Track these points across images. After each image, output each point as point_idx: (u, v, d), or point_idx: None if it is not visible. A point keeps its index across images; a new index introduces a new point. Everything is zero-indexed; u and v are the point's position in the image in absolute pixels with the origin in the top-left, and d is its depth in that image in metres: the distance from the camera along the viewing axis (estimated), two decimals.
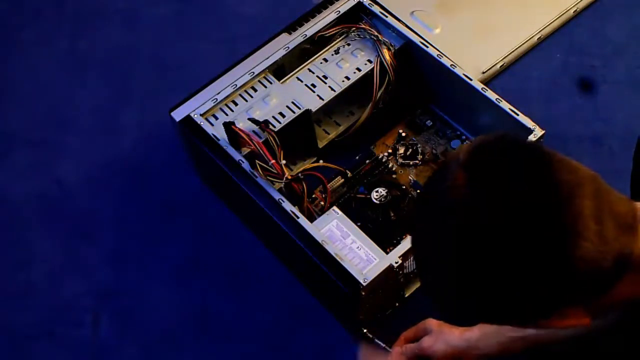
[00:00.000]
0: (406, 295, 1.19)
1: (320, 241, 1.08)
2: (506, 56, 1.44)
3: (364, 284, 1.05)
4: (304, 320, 1.23)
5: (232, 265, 1.29)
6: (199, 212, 1.34)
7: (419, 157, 1.30)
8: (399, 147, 1.32)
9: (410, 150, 1.31)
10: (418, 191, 1.27)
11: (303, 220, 1.10)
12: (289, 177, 1.13)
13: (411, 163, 1.30)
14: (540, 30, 1.47)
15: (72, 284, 1.29)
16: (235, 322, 1.23)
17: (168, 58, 1.51)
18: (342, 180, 1.28)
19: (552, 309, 0.70)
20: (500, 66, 1.44)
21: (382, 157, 1.31)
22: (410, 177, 1.29)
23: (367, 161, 1.31)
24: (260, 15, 1.51)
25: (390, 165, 1.30)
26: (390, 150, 1.32)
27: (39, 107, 1.48)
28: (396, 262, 1.07)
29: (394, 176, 1.30)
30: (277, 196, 1.13)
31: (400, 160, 1.31)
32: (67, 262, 1.31)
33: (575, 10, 1.50)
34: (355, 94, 1.28)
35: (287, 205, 1.12)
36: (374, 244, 1.09)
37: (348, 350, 1.16)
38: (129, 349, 1.23)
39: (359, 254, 1.08)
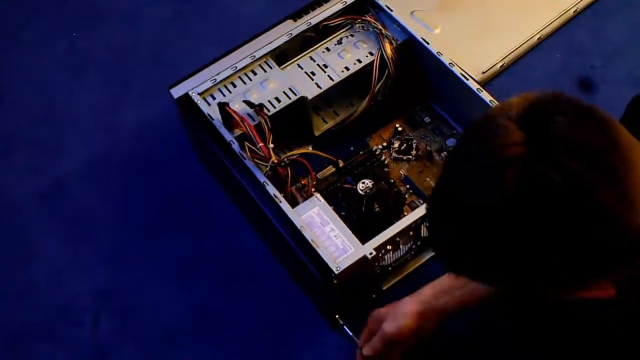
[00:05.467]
0: (384, 288, 1.20)
1: (298, 226, 1.09)
2: (506, 56, 1.44)
3: (336, 272, 1.05)
4: (304, 320, 1.22)
5: (232, 265, 1.29)
6: (198, 212, 1.34)
7: (413, 152, 1.31)
8: (394, 141, 1.32)
9: (405, 145, 1.31)
10: (407, 186, 1.27)
11: (284, 205, 1.11)
12: (275, 161, 1.14)
13: (404, 158, 1.30)
14: (540, 30, 1.47)
15: (72, 284, 1.29)
16: (235, 322, 1.23)
17: (168, 58, 1.51)
18: (334, 169, 1.28)
19: (598, 274, 0.69)
20: (500, 66, 1.44)
21: (376, 150, 1.31)
22: (401, 172, 1.29)
23: (361, 152, 1.31)
24: (260, 16, 1.50)
25: (383, 159, 1.31)
26: (385, 144, 1.32)
27: (39, 107, 1.48)
28: (370, 254, 1.07)
29: (385, 170, 1.30)
30: (262, 179, 1.13)
31: (394, 155, 1.31)
32: (67, 262, 1.31)
33: (575, 10, 1.50)
34: (357, 85, 1.28)
35: (271, 189, 1.13)
36: (351, 233, 1.10)
37: (348, 350, 1.16)
38: (129, 348, 1.23)
39: (336, 243, 1.09)
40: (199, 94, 1.23)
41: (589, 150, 0.64)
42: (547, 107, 0.67)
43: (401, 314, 1.04)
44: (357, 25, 1.30)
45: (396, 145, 1.31)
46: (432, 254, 1.21)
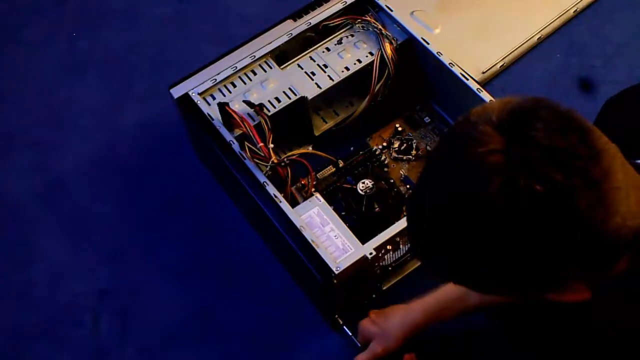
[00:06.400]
0: (384, 288, 1.20)
1: (298, 226, 1.09)
2: (506, 56, 1.44)
3: (336, 272, 1.05)
4: (304, 321, 1.23)
5: (232, 265, 1.29)
6: (199, 212, 1.34)
7: (413, 152, 1.31)
8: (394, 141, 1.32)
9: (405, 145, 1.31)
10: (407, 186, 1.27)
11: (284, 205, 1.11)
12: (275, 161, 1.14)
13: (404, 158, 1.31)
14: (540, 30, 1.47)
15: (72, 284, 1.29)
16: (235, 322, 1.23)
17: (168, 58, 1.51)
18: (334, 169, 1.29)
19: (571, 278, 0.70)
20: (500, 66, 1.44)
21: (376, 150, 1.32)
22: (401, 172, 1.30)
23: (361, 152, 1.31)
24: (260, 16, 1.51)
25: (383, 159, 1.31)
26: (385, 144, 1.32)
27: (39, 107, 1.48)
28: (370, 254, 1.08)
29: (385, 169, 1.30)
30: (262, 179, 1.14)
31: (394, 154, 1.31)
32: (67, 262, 1.31)
33: (575, 10, 1.50)
34: (357, 85, 1.28)
35: (271, 189, 1.13)
36: (351, 233, 1.10)
37: (347, 350, 1.16)
38: (129, 348, 1.23)
39: (336, 243, 1.09)
40: (199, 94, 1.24)
41: (570, 158, 0.65)
42: (527, 113, 0.67)
43: (389, 337, 1.07)
44: (357, 25, 1.30)
45: (396, 145, 1.31)
46: None
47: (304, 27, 1.29)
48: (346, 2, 1.30)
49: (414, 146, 1.31)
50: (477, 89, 1.20)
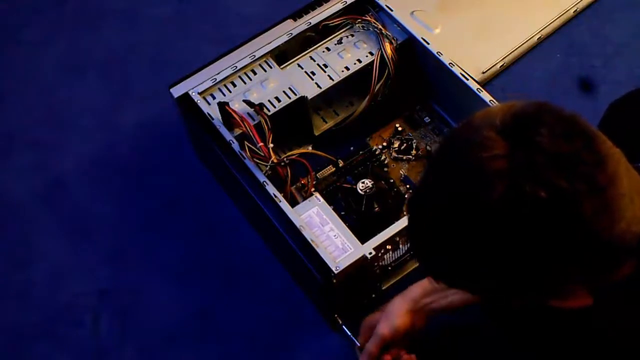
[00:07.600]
0: (383, 288, 1.20)
1: (298, 226, 1.09)
2: (506, 56, 1.44)
3: (336, 272, 1.05)
4: (304, 321, 1.22)
5: (232, 265, 1.29)
6: (199, 212, 1.34)
7: (413, 152, 1.31)
8: (394, 141, 1.32)
9: (405, 145, 1.31)
10: (407, 186, 1.27)
11: (284, 204, 1.11)
12: (275, 161, 1.14)
13: (404, 158, 1.31)
14: (540, 30, 1.47)
15: (72, 284, 1.29)
16: (235, 322, 1.23)
17: (168, 58, 1.51)
18: (334, 169, 1.29)
19: (572, 283, 0.70)
20: (500, 66, 1.44)
21: (376, 150, 1.32)
22: (401, 172, 1.30)
23: (361, 152, 1.31)
24: (260, 16, 1.50)
25: (383, 159, 1.31)
26: (385, 144, 1.32)
27: (39, 107, 1.48)
28: (370, 253, 1.08)
29: (385, 169, 1.30)
30: (262, 179, 1.14)
31: (394, 154, 1.31)
32: (67, 262, 1.31)
33: (575, 10, 1.50)
34: (357, 85, 1.28)
35: (271, 189, 1.13)
36: (351, 233, 1.10)
37: (348, 350, 1.16)
38: (129, 348, 1.23)
39: (335, 242, 1.09)
40: (199, 93, 1.24)
41: (574, 164, 0.64)
42: (531, 118, 0.67)
43: (394, 315, 1.04)
44: (357, 25, 1.30)
45: (396, 145, 1.32)
46: None
47: (304, 27, 1.29)
48: (346, 2, 1.30)
49: (414, 146, 1.31)
50: (477, 89, 1.20)
